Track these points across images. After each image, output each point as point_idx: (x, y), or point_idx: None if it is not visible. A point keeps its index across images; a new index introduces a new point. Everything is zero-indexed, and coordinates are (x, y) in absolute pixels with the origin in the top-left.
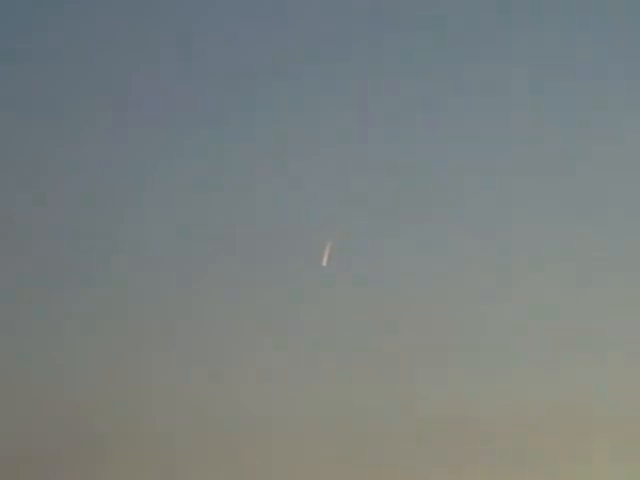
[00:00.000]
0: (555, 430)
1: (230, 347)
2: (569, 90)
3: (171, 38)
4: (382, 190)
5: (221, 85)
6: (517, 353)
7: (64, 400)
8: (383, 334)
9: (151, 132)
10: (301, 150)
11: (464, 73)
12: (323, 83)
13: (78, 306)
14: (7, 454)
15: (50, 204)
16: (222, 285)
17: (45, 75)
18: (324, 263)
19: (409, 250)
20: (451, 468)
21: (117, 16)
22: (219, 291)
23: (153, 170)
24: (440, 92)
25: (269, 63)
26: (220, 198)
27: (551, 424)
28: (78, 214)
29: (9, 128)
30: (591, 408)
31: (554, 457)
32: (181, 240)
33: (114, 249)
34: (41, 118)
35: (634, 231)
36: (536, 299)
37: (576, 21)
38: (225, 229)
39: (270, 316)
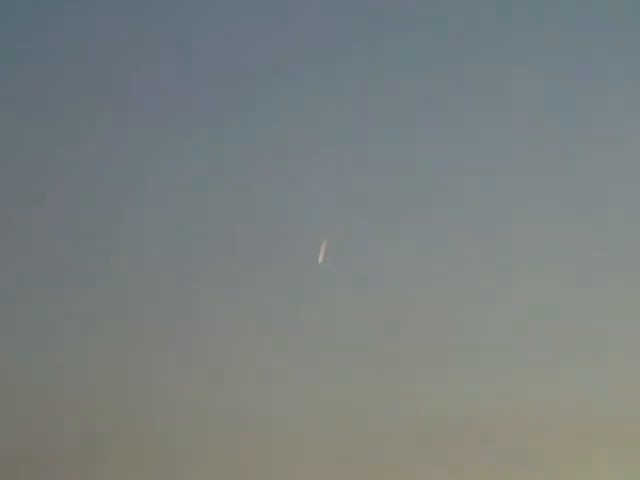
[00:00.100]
0: (555, 430)
1: (230, 347)
2: (569, 90)
3: (171, 38)
4: (382, 190)
5: (221, 85)
6: (517, 353)
7: (64, 400)
8: (383, 334)
9: (151, 132)
10: (301, 150)
11: (464, 73)
12: (323, 83)
13: (78, 306)
14: (7, 454)
15: (50, 204)
16: (222, 285)
17: (45, 75)
18: (320, 260)
19: (409, 250)
20: (451, 468)
21: (117, 16)
22: (219, 291)
23: (153, 170)
24: (440, 92)
25: (269, 63)
26: (220, 198)
27: (551, 424)
28: (78, 214)
29: (9, 128)
30: (591, 408)
31: (554, 457)
32: (181, 240)
33: (114, 249)
34: (41, 118)
35: (634, 231)
36: (536, 299)
37: (576, 21)
38: (225, 229)
39: (270, 316)
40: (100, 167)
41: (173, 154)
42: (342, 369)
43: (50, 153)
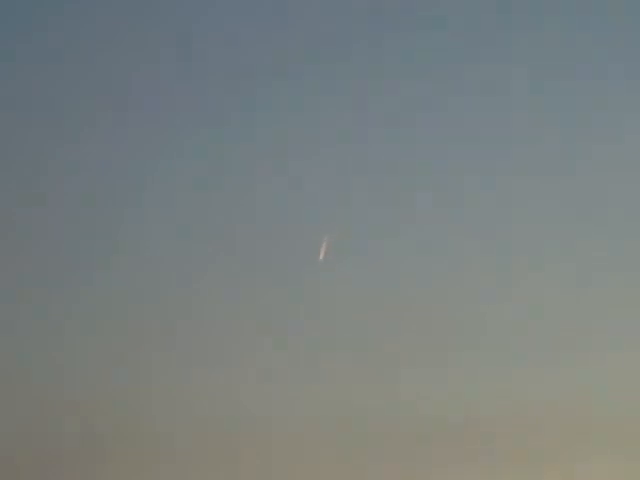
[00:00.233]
0: (555, 430)
1: (230, 347)
2: (569, 90)
3: (171, 38)
4: (382, 190)
5: (221, 85)
6: (517, 353)
7: (64, 400)
8: (383, 334)
9: (151, 132)
10: (301, 150)
11: (464, 73)
12: (323, 83)
13: (78, 306)
14: (7, 454)
15: (50, 204)
16: (222, 285)
17: (45, 75)
18: (321, 257)
19: (409, 250)
20: (451, 468)
21: (117, 16)
22: (219, 291)
23: (153, 170)
24: (440, 92)
25: (269, 63)
26: (220, 198)
27: (551, 424)
28: (78, 214)
29: (9, 128)
30: (591, 408)
31: (554, 457)
32: (181, 240)
33: (114, 249)
34: (41, 118)
35: (634, 231)
36: (536, 299)
37: (576, 21)
38: (225, 229)
39: (270, 316)
40: (100, 167)
41: (173, 154)
42: (342, 369)
43: (50, 153)
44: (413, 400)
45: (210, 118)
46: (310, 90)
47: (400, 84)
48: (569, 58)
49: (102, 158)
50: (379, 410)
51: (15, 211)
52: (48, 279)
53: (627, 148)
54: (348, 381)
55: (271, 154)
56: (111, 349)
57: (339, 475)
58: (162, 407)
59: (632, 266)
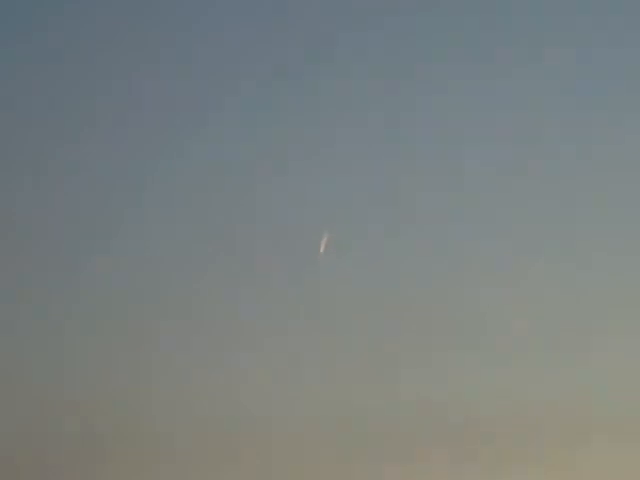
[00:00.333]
0: (555, 430)
1: (230, 347)
2: (569, 90)
3: (171, 38)
4: (382, 190)
5: (221, 85)
6: (517, 353)
7: (64, 400)
8: (383, 334)
9: (151, 132)
10: (301, 150)
11: (464, 73)
12: (323, 83)
13: (78, 306)
14: (7, 454)
15: (50, 204)
16: (222, 285)
17: (45, 75)
18: (321, 251)
19: (409, 250)
20: (451, 468)
21: (117, 16)
22: (219, 291)
23: (153, 170)
24: (440, 92)
25: (269, 63)
26: (220, 198)
27: (551, 424)
28: (78, 214)
29: (9, 128)
30: (591, 408)
31: (554, 457)
32: (181, 240)
33: (114, 249)
34: (41, 118)
35: (634, 231)
36: (536, 299)
37: (576, 21)
38: (225, 229)
39: (270, 316)
40: (100, 167)
41: (173, 154)
42: (342, 369)
43: (50, 153)
44: (413, 400)
45: (210, 118)
46: (310, 90)
47: (400, 84)
48: (569, 58)
49: (102, 158)
50: (379, 410)
51: (15, 211)
52: (48, 279)
53: (627, 148)
54: (348, 381)
55: (271, 154)
56: (111, 349)
57: (339, 475)
58: (162, 407)
59: (632, 266)
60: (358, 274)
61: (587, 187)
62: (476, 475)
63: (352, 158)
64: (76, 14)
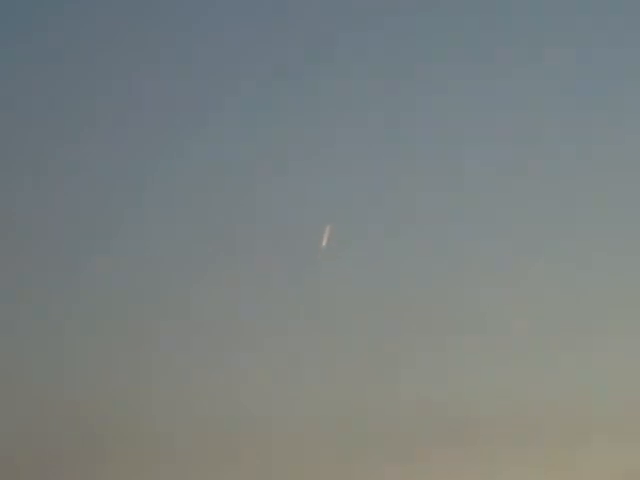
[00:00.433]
0: (555, 430)
1: (230, 347)
2: (569, 90)
3: (171, 38)
4: (382, 190)
5: (221, 85)
6: (517, 353)
7: (64, 400)
8: (383, 334)
9: (151, 132)
10: (301, 150)
11: (464, 73)
12: (323, 83)
13: (78, 306)
14: (7, 454)
15: (50, 204)
16: (222, 285)
17: (45, 75)
18: (323, 245)
19: (409, 250)
20: (451, 468)
21: (117, 16)
22: (219, 291)
23: (153, 170)
24: (440, 92)
25: (269, 63)
26: (220, 198)
27: (551, 424)
28: (78, 214)
29: (9, 128)
30: (591, 408)
31: (554, 457)
32: (181, 240)
33: (114, 249)
34: (41, 118)
35: (634, 231)
36: (536, 299)
37: (576, 21)
38: (225, 229)
39: (270, 316)
40: (100, 167)
41: (173, 154)
42: (342, 369)
43: (50, 153)
44: (413, 400)
45: (210, 118)
46: (310, 90)
47: (400, 84)
48: (569, 58)
49: (102, 158)
50: (379, 410)
51: (15, 211)
52: (48, 279)
53: (627, 148)
54: (348, 381)
55: (271, 154)
56: (111, 349)
57: (339, 475)
58: (162, 407)
59: (632, 266)
60: (358, 274)
61: (587, 187)
62: (476, 475)
63: (352, 158)
64: (76, 14)
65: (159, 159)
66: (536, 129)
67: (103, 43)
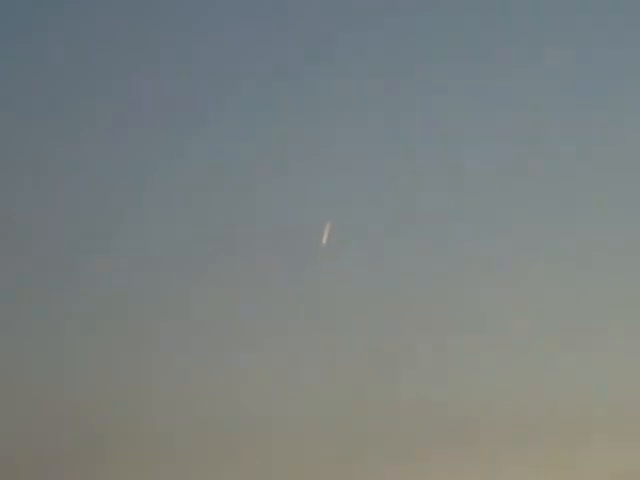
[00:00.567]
0: (555, 430)
1: (230, 347)
2: (569, 90)
3: (171, 38)
4: (382, 190)
5: (221, 85)
6: (517, 353)
7: (64, 400)
8: (383, 334)
9: (151, 132)
10: (301, 150)
11: (464, 73)
12: (323, 83)
13: (78, 306)
14: (7, 454)
15: (50, 204)
16: (222, 285)
17: (45, 75)
18: (323, 242)
19: (409, 250)
20: (451, 468)
21: (117, 16)
22: (219, 291)
23: (153, 170)
24: (440, 92)
25: (269, 63)
26: (220, 198)
27: (551, 424)
28: (78, 214)
29: (9, 128)
30: (591, 408)
31: (554, 457)
32: (181, 240)
33: (114, 249)
34: (41, 118)
35: (634, 231)
36: (536, 299)
37: (576, 21)
38: (225, 229)
39: (270, 316)
40: (100, 167)
41: (173, 154)
42: (342, 369)
43: (50, 153)
44: (413, 400)
45: (210, 118)
46: (310, 90)
47: (400, 84)
48: (569, 57)
49: (102, 158)
50: (379, 410)
51: (15, 211)
52: (48, 279)
53: (627, 148)
54: (348, 381)
55: (271, 154)
56: (111, 349)
57: (339, 475)
58: (162, 407)
59: (632, 266)
60: (358, 274)
61: (587, 187)
62: (476, 475)
63: (352, 158)
64: (76, 14)
65: (159, 159)
66: (536, 129)
67: (103, 43)
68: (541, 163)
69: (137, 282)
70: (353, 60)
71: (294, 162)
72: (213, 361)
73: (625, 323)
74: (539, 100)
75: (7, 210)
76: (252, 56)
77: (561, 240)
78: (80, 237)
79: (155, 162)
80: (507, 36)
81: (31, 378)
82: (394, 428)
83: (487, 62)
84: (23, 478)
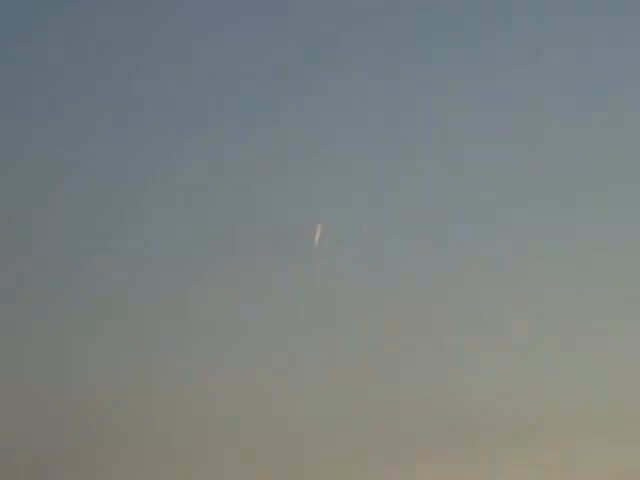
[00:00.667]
0: (555, 430)
1: (230, 347)
2: (569, 90)
3: (171, 38)
4: (382, 190)
5: (221, 85)
6: (517, 353)
7: (64, 400)
8: (383, 334)
9: (151, 132)
10: (301, 150)
11: (464, 73)
12: (323, 83)
13: (78, 306)
14: (7, 454)
15: (50, 204)
16: (222, 285)
17: (45, 75)
18: (318, 241)
19: (409, 250)
20: (451, 468)
21: (117, 16)
22: (219, 291)
23: (153, 170)
24: (440, 92)
25: (269, 63)
26: (220, 198)
27: (551, 424)
28: (78, 214)
29: (9, 128)
30: (591, 408)
31: (554, 457)
32: (181, 240)
33: (114, 249)
34: (41, 118)
35: (634, 231)
36: (536, 299)
37: (576, 21)
38: (225, 229)
39: (270, 316)
40: (100, 167)
41: (173, 154)
42: (342, 369)
43: (50, 153)
44: (413, 400)
45: (210, 118)
46: (310, 90)
47: (400, 84)
48: (570, 57)
49: (102, 158)
50: (379, 410)
51: (15, 211)
52: (48, 279)
53: (627, 148)
54: (348, 381)
55: (271, 154)
56: (111, 349)
57: (339, 475)
58: (162, 407)
59: (632, 266)
60: (358, 274)
61: (587, 187)
62: (476, 475)
63: (352, 158)
64: (76, 14)
65: (159, 159)
66: (536, 129)
67: (103, 43)
68: (541, 163)
69: (137, 282)
70: (353, 60)
71: (294, 162)
72: (213, 361)
73: (625, 323)
74: (539, 100)
75: (7, 210)
76: (252, 56)
77: (561, 240)
78: (80, 237)
79: (155, 162)
80: (507, 36)
81: (31, 378)
82: (394, 428)
83: (487, 62)
84: (23, 478)
